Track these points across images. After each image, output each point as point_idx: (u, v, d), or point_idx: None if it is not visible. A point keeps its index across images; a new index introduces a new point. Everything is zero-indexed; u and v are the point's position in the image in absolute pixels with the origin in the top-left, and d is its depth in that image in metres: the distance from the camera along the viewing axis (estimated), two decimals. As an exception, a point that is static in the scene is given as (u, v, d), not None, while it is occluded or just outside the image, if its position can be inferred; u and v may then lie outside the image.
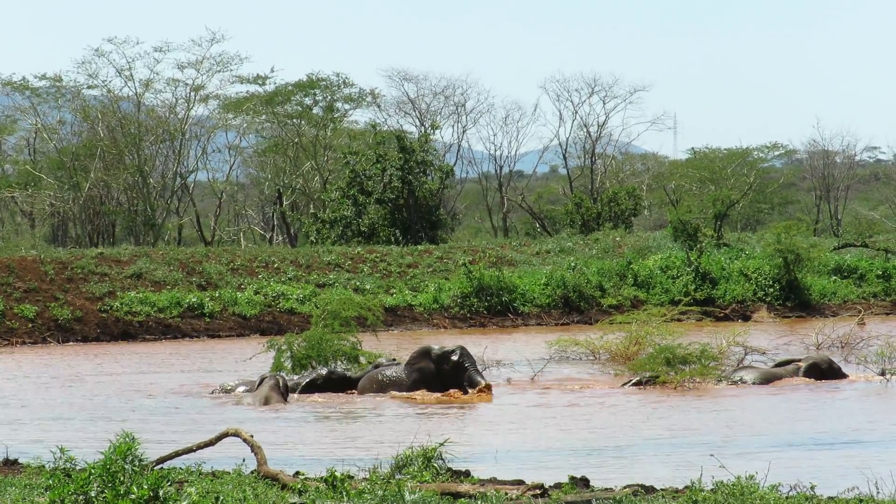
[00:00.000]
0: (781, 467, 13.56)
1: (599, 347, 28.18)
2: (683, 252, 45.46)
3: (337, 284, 41.84)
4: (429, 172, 57.04)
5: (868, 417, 19.75)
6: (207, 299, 39.43)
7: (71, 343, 36.40)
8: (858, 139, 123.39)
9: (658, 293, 42.77)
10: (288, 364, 24.35)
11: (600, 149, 75.59)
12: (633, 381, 23.29)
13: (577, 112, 74.16)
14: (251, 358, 26.05)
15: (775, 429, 18.38)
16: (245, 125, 70.77)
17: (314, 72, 67.87)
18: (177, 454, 12.82)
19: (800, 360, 24.50)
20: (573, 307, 42.14)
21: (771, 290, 43.82)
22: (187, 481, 11.62)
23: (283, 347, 24.63)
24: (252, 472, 12.31)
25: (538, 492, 11.44)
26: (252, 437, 12.78)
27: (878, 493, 11.16)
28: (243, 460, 12.49)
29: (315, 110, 68.06)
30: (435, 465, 12.24)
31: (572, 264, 44.35)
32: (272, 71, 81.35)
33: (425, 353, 22.90)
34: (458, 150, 73.92)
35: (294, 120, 68.03)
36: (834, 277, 45.69)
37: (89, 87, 63.86)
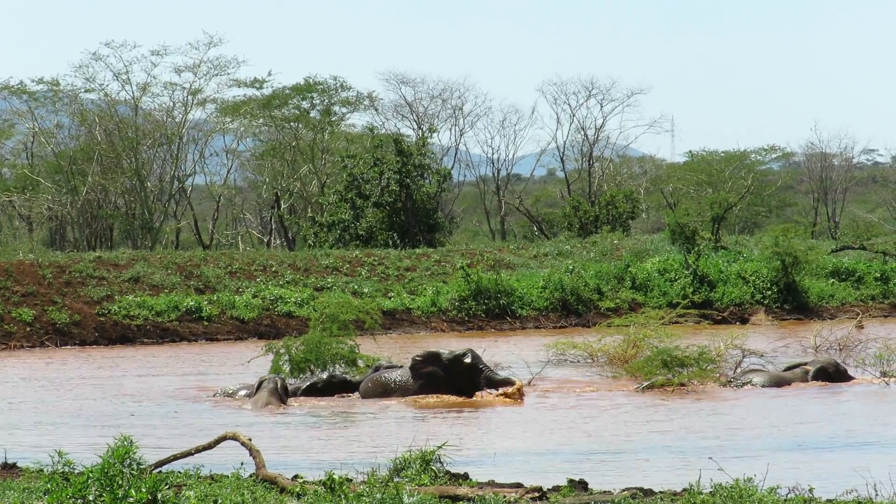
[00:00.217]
0: (780, 470, 13.57)
1: (597, 350, 28.17)
2: (681, 255, 45.47)
3: (335, 288, 41.84)
4: (426, 176, 57.03)
5: (867, 420, 19.76)
6: (205, 303, 39.42)
7: (69, 347, 36.39)
8: (856, 142, 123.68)
9: (656, 296, 42.78)
10: (286, 367, 24.34)
11: (598, 152, 75.63)
12: (645, 384, 23.25)
13: (574, 115, 74.21)
14: (249, 361, 26.05)
15: (774, 431, 18.39)
16: (242, 129, 70.77)
17: (311, 75, 67.97)
18: (175, 458, 12.82)
19: (807, 364, 24.52)
20: (571, 310, 42.14)
21: (769, 292, 43.82)
22: (186, 485, 11.62)
23: (282, 351, 24.62)
24: (251, 476, 12.30)
25: (537, 495, 11.44)
26: (250, 440, 12.78)
27: (876, 495, 11.17)
28: (242, 464, 12.49)
29: (312, 114, 68.06)
30: (433, 468, 12.24)
31: (570, 267, 44.35)
32: (269, 74, 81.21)
33: (433, 357, 22.77)
34: (456, 154, 73.95)
35: (291, 123, 68.03)
36: (832, 280, 45.71)
37: (86, 91, 63.86)
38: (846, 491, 11.28)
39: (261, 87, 66.48)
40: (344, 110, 69.72)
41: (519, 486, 12.02)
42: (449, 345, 27.71)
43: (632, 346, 27.11)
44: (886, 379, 24.08)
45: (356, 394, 23.00)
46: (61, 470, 11.24)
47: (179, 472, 12.45)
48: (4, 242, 64.59)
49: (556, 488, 12.10)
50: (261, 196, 74.82)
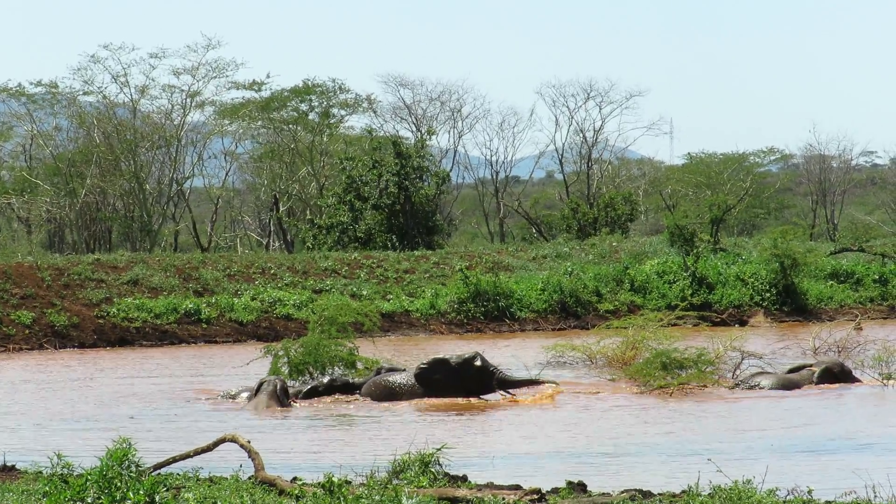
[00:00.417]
0: (779, 471, 13.57)
1: (596, 352, 28.19)
2: (680, 257, 45.49)
3: (333, 290, 41.82)
4: (425, 178, 57.03)
5: (866, 422, 19.77)
6: (204, 305, 39.42)
7: (68, 349, 36.37)
8: (855, 144, 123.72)
9: (655, 298, 42.78)
10: (285, 370, 24.34)
11: (596, 154, 75.67)
12: (658, 386, 23.30)
13: (573, 117, 74.29)
14: (248, 364, 26.05)
15: (773, 433, 18.39)
16: (241, 131, 70.79)
17: (310, 77, 67.97)
18: (174, 460, 12.81)
19: (812, 365, 24.52)
20: (570, 312, 42.14)
21: (767, 294, 43.83)
22: (184, 487, 11.62)
23: (280, 353, 24.61)
24: (250, 478, 12.30)
25: (535, 497, 11.44)
26: (249, 442, 12.78)
27: (875, 497, 11.17)
28: (241, 466, 12.49)
29: (311, 116, 68.09)
30: (432, 470, 12.24)
31: (569, 269, 44.35)
32: (268, 77, 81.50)
33: (441, 362, 22.74)
34: (455, 156, 73.98)
35: (290, 126, 68.04)
36: (830, 282, 45.71)
37: (85, 94, 63.88)
38: (845, 493, 11.27)
39: (259, 90, 66.52)
40: (342, 112, 69.78)
41: (518, 487, 12.02)
42: (448, 347, 27.74)
43: (631, 348, 27.13)
44: (885, 380, 24.09)
45: (357, 396, 22.96)
46: (60, 472, 11.24)
47: (178, 474, 12.45)
48: (3, 245, 64.58)
49: (555, 490, 12.11)
50: (259, 198, 74.84)
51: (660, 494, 11.72)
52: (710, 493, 10.93)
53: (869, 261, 48.42)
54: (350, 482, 11.59)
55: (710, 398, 22.63)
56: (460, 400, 22.36)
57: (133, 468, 10.45)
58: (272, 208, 67.64)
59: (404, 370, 23.37)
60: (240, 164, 75.21)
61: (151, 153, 65.00)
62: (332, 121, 68.52)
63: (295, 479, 12.53)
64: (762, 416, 20.37)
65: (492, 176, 75.19)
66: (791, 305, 43.93)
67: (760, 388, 23.23)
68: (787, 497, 11.09)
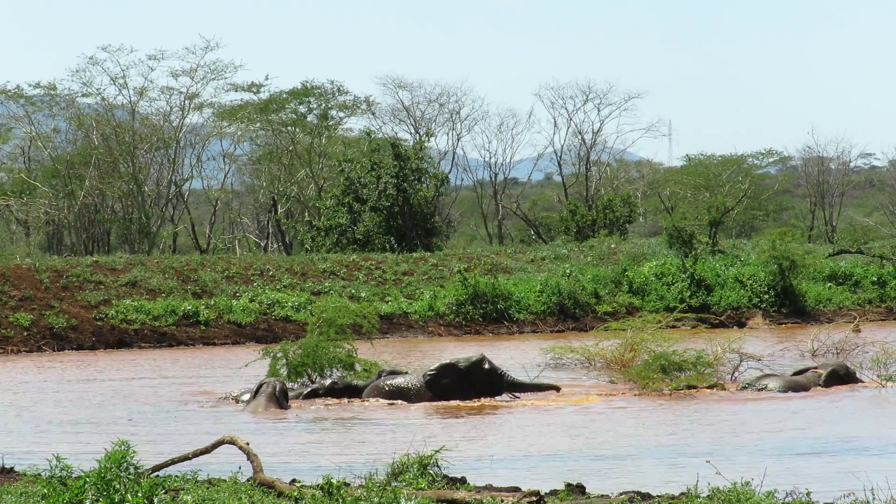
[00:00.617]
0: (777, 473, 13.57)
1: (595, 354, 28.17)
2: (678, 259, 45.49)
3: (332, 292, 41.83)
4: (424, 180, 57.05)
5: (865, 423, 19.77)
6: (202, 307, 39.41)
7: (66, 351, 36.36)
8: (853, 146, 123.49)
9: (653, 300, 42.78)
10: (283, 372, 24.33)
11: (595, 156, 75.68)
12: (668, 388, 23.33)
13: (571, 119, 74.31)
14: (246, 366, 26.03)
15: (772, 435, 18.39)
16: (239, 133, 70.79)
17: (309, 79, 67.93)
18: (172, 462, 12.81)
19: (816, 368, 24.51)
20: (568, 314, 42.14)
21: (766, 296, 43.83)
22: (183, 489, 11.62)
23: (279, 355, 24.60)
24: (248, 480, 12.30)
25: (534, 499, 11.44)
26: (248, 444, 12.77)
27: (873, 499, 11.17)
28: (239, 468, 12.48)
29: (310, 118, 68.08)
30: (431, 472, 12.25)
31: (567, 271, 44.34)
32: (267, 79, 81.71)
33: (450, 367, 22.76)
34: (453, 158, 74.01)
35: (289, 128, 68.05)
36: (829, 284, 45.71)
37: (83, 96, 63.86)
38: (843, 495, 11.27)
39: (258, 92, 66.53)
40: (341, 114, 69.80)
41: (516, 489, 12.02)
42: (447, 349, 27.74)
43: (629, 350, 27.11)
44: (884, 382, 24.10)
45: (360, 398, 22.94)
46: (59, 474, 11.24)
47: (177, 476, 12.44)
48: (1, 247, 64.64)
49: (554, 492, 12.11)
50: (258, 200, 74.84)
51: (658, 496, 11.72)
52: (708, 495, 10.93)
53: (867, 263, 48.42)
54: (349, 484, 11.60)
55: (709, 400, 22.63)
56: (477, 401, 22.38)
57: (131, 470, 10.46)
58: (271, 210, 67.66)
59: (407, 373, 23.36)
60: (238, 166, 75.21)
61: (150, 155, 64.98)
62: (330, 123, 68.53)
63: (294, 481, 12.53)
64: (760, 418, 20.36)
65: (490, 178, 75.21)
66: (789, 307, 43.93)
67: (769, 391, 23.25)
68: (786, 499, 11.10)
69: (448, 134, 73.44)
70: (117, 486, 10.15)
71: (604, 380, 25.74)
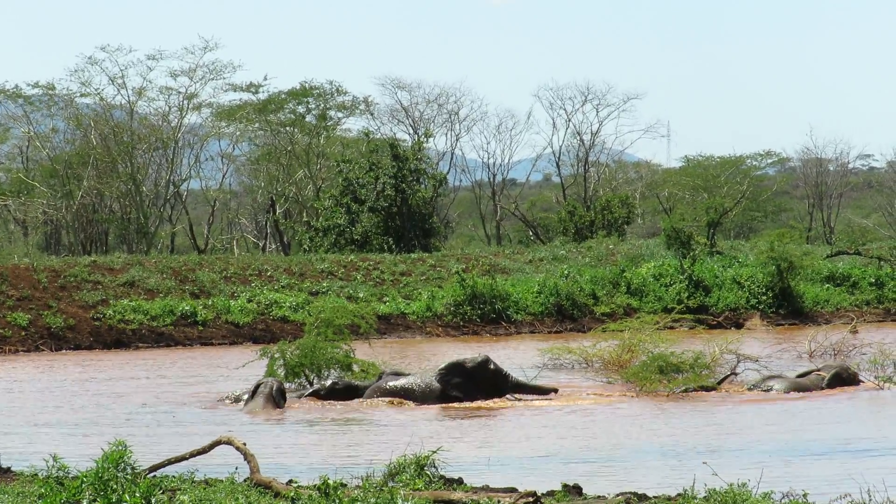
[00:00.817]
0: (774, 475, 13.58)
1: (592, 355, 28.19)
2: (676, 260, 45.49)
3: (330, 292, 41.83)
4: (422, 180, 57.06)
5: (862, 425, 19.78)
6: (200, 307, 39.40)
7: (64, 351, 36.36)
8: (852, 147, 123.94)
9: (651, 301, 42.78)
10: (281, 372, 24.33)
11: (593, 157, 75.72)
12: (679, 390, 23.34)
13: (570, 120, 74.35)
14: (244, 366, 26.03)
15: (769, 437, 18.40)
16: (238, 133, 70.80)
17: (307, 80, 67.99)
18: (169, 462, 12.81)
19: (819, 370, 24.51)
20: (566, 315, 42.14)
21: (764, 297, 43.84)
22: (180, 489, 11.62)
23: (276, 356, 24.60)
24: (245, 481, 12.30)
25: (531, 499, 11.44)
26: (245, 445, 12.78)
27: (870, 500, 11.18)
28: (236, 468, 12.48)
29: (308, 118, 68.09)
30: (428, 472, 12.25)
31: (565, 272, 44.34)
32: (265, 79, 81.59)
33: (458, 365, 22.83)
34: (452, 159, 74.05)
35: (287, 128, 68.04)
36: (827, 285, 45.71)
37: (82, 96, 63.84)
38: (840, 496, 11.27)
39: (256, 92, 66.52)
40: (340, 115, 69.80)
41: (513, 490, 12.02)
42: (445, 350, 27.74)
43: (627, 351, 27.13)
44: (881, 383, 24.12)
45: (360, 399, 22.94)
46: (56, 474, 11.24)
47: (174, 476, 12.44)
48: (-1, 247, 64.57)
49: (551, 493, 12.12)
50: (256, 200, 74.84)
51: (655, 497, 11.73)
52: (705, 497, 10.94)
53: (865, 264, 48.42)
54: (346, 485, 11.60)
55: (706, 401, 22.64)
56: (483, 403, 22.41)
57: (129, 470, 10.47)
58: (269, 210, 67.65)
59: (409, 374, 23.37)
60: (237, 167, 75.23)
61: (148, 155, 64.99)
62: (329, 123, 68.53)
63: (290, 481, 12.53)
64: (757, 420, 20.37)
65: (489, 178, 75.25)
66: (787, 308, 43.93)
67: (775, 392, 23.28)
68: (783, 500, 11.10)
69: (446, 134, 73.56)
70: (114, 487, 10.16)
71: (601, 380, 25.74)
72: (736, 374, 24.85)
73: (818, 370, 24.52)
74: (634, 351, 26.85)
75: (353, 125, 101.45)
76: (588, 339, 30.33)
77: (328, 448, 17.94)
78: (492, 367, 22.84)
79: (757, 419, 20.43)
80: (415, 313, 41.24)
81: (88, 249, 62.23)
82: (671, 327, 32.26)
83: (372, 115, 70.71)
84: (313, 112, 67.89)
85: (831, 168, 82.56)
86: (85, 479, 10.20)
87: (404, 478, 11.98)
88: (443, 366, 22.95)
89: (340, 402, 22.77)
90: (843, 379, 24.12)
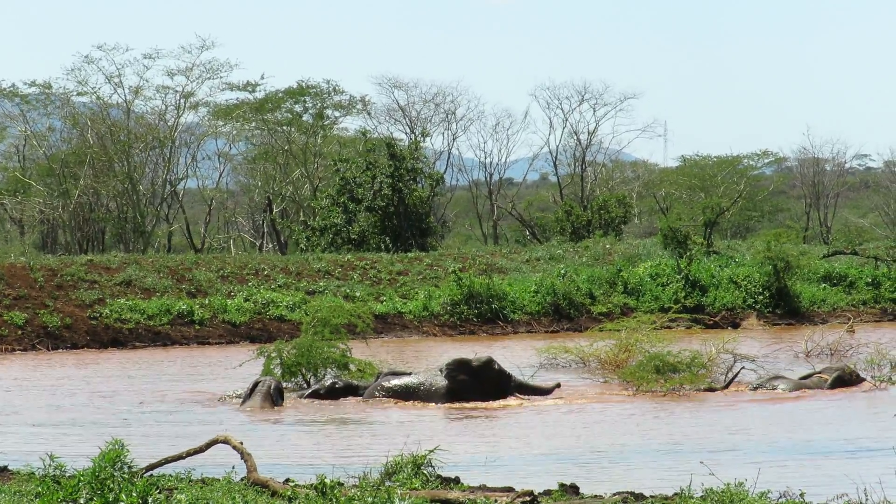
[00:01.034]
0: (771, 474, 13.58)
1: (589, 355, 28.20)
2: (673, 259, 45.49)
3: (327, 292, 41.80)
4: (419, 180, 57.09)
5: (859, 425, 19.78)
6: (197, 306, 39.38)
7: (60, 350, 36.33)
8: (848, 147, 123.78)
9: (648, 300, 42.79)
10: (278, 371, 24.33)
11: (590, 156, 75.78)
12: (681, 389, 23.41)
13: (567, 120, 74.38)
14: (241, 365, 26.03)
15: (766, 436, 18.40)
16: (235, 132, 70.82)
17: (304, 79, 68.03)
18: (166, 461, 12.80)
19: (820, 372, 24.50)
20: (563, 314, 42.13)
21: (760, 297, 43.84)
22: (177, 488, 11.61)
23: (273, 355, 24.59)
24: (242, 480, 12.29)
25: (528, 499, 11.45)
26: (242, 443, 12.77)
27: (866, 499, 11.18)
28: (233, 467, 12.48)
29: (305, 117, 68.12)
30: (425, 472, 12.25)
31: (562, 272, 44.34)
32: (262, 78, 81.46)
33: (463, 364, 22.85)
34: (449, 158, 74.08)
35: (284, 127, 68.07)
36: (823, 285, 45.71)
37: (79, 94, 63.92)
38: (837, 496, 11.28)
39: (253, 91, 66.58)
40: (337, 114, 69.87)
41: (510, 490, 12.02)
42: (442, 349, 27.73)
43: (623, 350, 27.13)
44: (878, 383, 24.13)
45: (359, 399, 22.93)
46: (52, 473, 11.23)
47: (171, 475, 12.44)
48: (-4, 246, 64.52)
49: (548, 492, 12.12)
50: (253, 200, 74.84)
51: (652, 497, 11.73)
52: (702, 496, 10.94)
53: (862, 264, 48.43)
54: (343, 484, 11.60)
55: (706, 401, 22.65)
56: (490, 403, 22.42)
57: (125, 469, 10.46)
58: (266, 210, 67.66)
59: (410, 374, 23.37)
60: (233, 166, 75.25)
61: (145, 154, 65.03)
62: (326, 122, 68.58)
63: (287, 480, 12.53)
64: (755, 420, 20.38)
65: (486, 178, 75.27)
66: (784, 308, 43.93)
67: (782, 391, 23.29)
68: (779, 500, 11.10)
69: (443, 134, 73.63)
70: (111, 486, 10.15)
71: (598, 380, 25.75)
72: (736, 374, 24.85)
73: (820, 373, 24.51)
74: (631, 350, 26.85)
75: (350, 124, 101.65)
76: (585, 338, 30.33)
77: (326, 447, 17.94)
78: (496, 367, 22.92)
79: (754, 419, 20.44)
80: (411, 313, 41.23)
81: (85, 248, 62.23)
82: (668, 327, 32.22)
83: (369, 114, 70.82)
84: (310, 111, 67.93)
85: (828, 168, 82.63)
86: (82, 478, 10.19)
87: (401, 477, 11.98)
88: (450, 362, 22.99)
89: (340, 402, 22.77)
90: (846, 382, 24.09)
